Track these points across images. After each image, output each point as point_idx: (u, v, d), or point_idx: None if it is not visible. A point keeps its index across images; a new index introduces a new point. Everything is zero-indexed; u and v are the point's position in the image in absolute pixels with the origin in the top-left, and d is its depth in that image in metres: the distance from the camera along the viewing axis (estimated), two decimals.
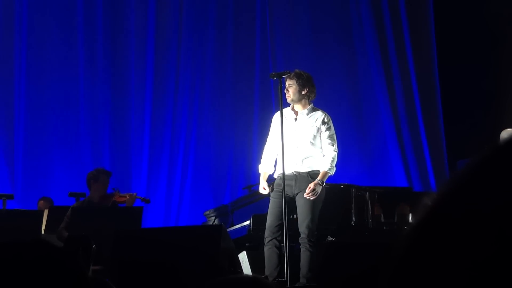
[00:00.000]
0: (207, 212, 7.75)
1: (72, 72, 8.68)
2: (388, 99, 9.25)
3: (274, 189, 5.28)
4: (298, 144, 5.26)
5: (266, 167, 5.45)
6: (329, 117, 5.41)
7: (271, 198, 5.29)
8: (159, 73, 8.94)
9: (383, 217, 6.44)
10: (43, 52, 8.63)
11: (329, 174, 5.27)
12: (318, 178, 5.20)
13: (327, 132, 5.32)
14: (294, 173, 5.21)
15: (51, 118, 8.54)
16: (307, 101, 5.37)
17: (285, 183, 5.11)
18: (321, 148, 5.30)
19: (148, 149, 8.77)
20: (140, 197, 6.98)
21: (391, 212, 6.45)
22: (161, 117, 8.88)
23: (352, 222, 6.31)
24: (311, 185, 5.14)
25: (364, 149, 9.11)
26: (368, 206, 6.39)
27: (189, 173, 8.81)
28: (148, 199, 7.02)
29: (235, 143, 8.92)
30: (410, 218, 6.38)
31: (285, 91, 5.32)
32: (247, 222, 6.37)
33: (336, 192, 6.10)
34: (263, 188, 5.35)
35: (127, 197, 6.73)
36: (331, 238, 6.08)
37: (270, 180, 5.48)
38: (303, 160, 5.25)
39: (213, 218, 7.47)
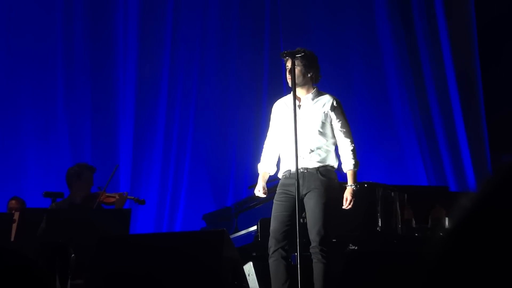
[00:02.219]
0: (207, 216, 7.77)
1: (49, 57, 8.69)
2: (417, 85, 9.21)
3: (279, 190, 5.29)
4: (304, 134, 5.25)
5: (266, 166, 5.47)
6: (339, 102, 5.39)
7: (274, 201, 5.30)
8: (149, 52, 8.94)
9: (414, 221, 6.44)
10: (17, 35, 8.63)
11: (356, 171, 5.31)
12: (349, 183, 5.25)
13: (339, 120, 5.31)
14: (301, 170, 5.20)
15: (24, 108, 8.56)
16: (311, 84, 5.37)
17: (292, 183, 5.11)
18: (332, 138, 5.30)
19: (137, 141, 8.78)
20: (132, 197, 6.98)
21: (424, 216, 6.46)
22: (152, 105, 8.88)
23: (377, 228, 6.32)
24: (347, 197, 5.20)
25: (391, 143, 9.09)
26: (397, 209, 6.40)
27: (185, 169, 8.83)
28: (142, 199, 7.02)
29: (239, 134, 8.93)
30: (446, 222, 6.38)
31: (287, 73, 5.31)
32: (254, 228, 6.38)
33: (359, 192, 6.10)
34: (259, 190, 5.38)
35: (116, 197, 6.74)
36: (352, 247, 6.09)
37: (270, 183, 5.49)
38: (310, 154, 5.24)
39: (214, 222, 7.48)
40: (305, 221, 5.26)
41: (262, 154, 5.52)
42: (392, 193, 6.47)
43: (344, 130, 5.30)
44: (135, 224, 8.22)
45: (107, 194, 6.74)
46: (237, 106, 8.98)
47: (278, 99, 5.68)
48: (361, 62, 9.26)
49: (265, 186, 5.41)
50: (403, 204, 6.44)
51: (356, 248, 6.09)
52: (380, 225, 6.34)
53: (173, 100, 8.92)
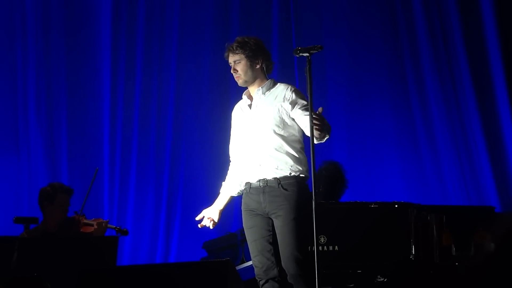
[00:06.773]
0: (208, 244, 7.81)
1: (17, 55, 8.76)
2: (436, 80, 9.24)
3: (243, 213, 5.26)
4: (258, 137, 5.19)
5: (228, 187, 5.43)
6: (297, 89, 5.26)
7: (244, 227, 5.28)
8: (132, 48, 9.02)
9: (454, 248, 6.49)
10: None
11: (327, 136, 4.95)
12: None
13: (298, 103, 5.15)
14: (261, 185, 5.14)
15: None
16: (264, 76, 5.30)
17: (253, 199, 5.12)
18: (294, 138, 5.15)
19: (122, 156, 8.82)
20: (113, 226, 7.02)
21: (465, 242, 6.49)
22: (141, 113, 8.93)
23: (411, 256, 6.36)
24: (320, 110, 4.83)
25: (418, 154, 9.10)
26: (434, 234, 6.43)
27: (180, 187, 8.84)
28: (125, 229, 7.06)
29: None
30: (492, 248, 6.41)
31: (232, 71, 5.28)
32: None
33: (388, 214, 6.14)
34: (206, 216, 5.38)
35: (95, 226, 6.79)
36: (381, 279, 6.13)
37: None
38: (268, 160, 5.13)
39: (216, 251, 7.54)
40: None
41: (228, 171, 5.47)
42: (428, 215, 6.50)
43: (307, 106, 5.03)
44: (122, 255, 8.27)
45: (85, 221, 6.80)
46: None
47: None
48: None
49: (218, 212, 5.40)
50: (441, 227, 6.48)
51: (385, 280, 6.14)
52: (413, 252, 6.38)
53: (164, 107, 8.97)
